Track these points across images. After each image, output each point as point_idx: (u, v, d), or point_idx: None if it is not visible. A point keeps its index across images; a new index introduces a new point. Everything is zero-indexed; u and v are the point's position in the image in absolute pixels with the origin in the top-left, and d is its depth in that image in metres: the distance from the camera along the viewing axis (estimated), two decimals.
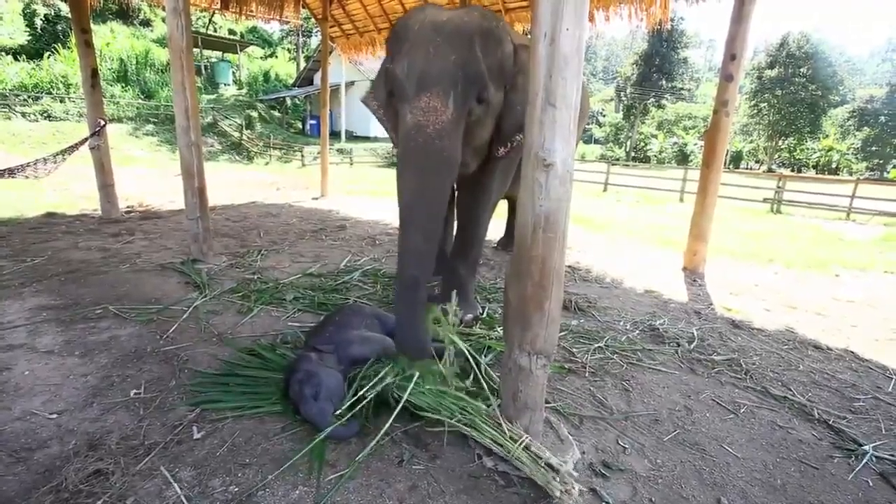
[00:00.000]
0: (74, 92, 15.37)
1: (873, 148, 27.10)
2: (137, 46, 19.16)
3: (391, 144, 20.85)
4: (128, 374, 2.20)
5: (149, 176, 10.21)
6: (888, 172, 25.97)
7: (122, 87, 17.63)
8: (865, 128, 27.40)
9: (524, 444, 1.64)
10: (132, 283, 3.37)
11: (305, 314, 2.98)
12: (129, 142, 15.07)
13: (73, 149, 5.16)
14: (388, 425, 1.78)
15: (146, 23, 23.78)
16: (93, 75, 5.12)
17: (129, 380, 2.15)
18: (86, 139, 5.14)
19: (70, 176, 7.89)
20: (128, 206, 6.20)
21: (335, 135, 21.34)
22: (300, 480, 1.60)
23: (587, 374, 2.44)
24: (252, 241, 4.84)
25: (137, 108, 17.07)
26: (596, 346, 2.75)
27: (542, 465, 1.59)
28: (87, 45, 5.09)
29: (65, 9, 16.63)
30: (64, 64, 16.14)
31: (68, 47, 16.45)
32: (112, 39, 19.10)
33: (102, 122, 5.17)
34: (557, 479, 1.55)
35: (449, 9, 2.38)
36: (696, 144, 29.00)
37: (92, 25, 5.22)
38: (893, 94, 27.11)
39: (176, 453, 1.70)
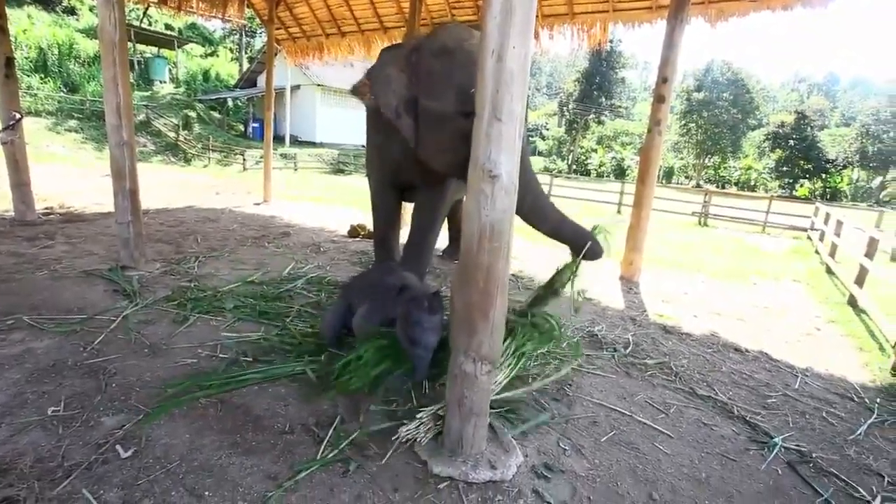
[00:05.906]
0: None
1: (784, 168, 29.92)
2: (60, 35, 17.72)
3: (337, 151, 20.58)
4: (45, 391, 2.02)
5: (71, 175, 9.43)
6: (797, 190, 28.69)
7: (41, 77, 16.24)
8: (778, 150, 30.19)
9: None
10: (50, 291, 3.11)
11: (246, 323, 2.87)
12: (49, 137, 13.90)
13: None
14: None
15: (70, 10, 22.06)
16: (7, 64, 4.68)
17: (46, 396, 1.98)
18: None
19: None
20: (46, 208, 5.69)
21: (279, 139, 20.67)
22: (239, 495, 1.54)
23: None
24: (188, 247, 4.59)
25: (59, 102, 15.76)
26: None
27: None
28: (0, 30, 4.66)
29: None
30: None
31: None
32: (30, 26, 17.53)
33: (18, 116, 4.74)
34: None
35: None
36: (632, 159, 30.71)
37: (7, 10, 4.79)
38: (800, 121, 30.11)
39: (100, 474, 1.58)
